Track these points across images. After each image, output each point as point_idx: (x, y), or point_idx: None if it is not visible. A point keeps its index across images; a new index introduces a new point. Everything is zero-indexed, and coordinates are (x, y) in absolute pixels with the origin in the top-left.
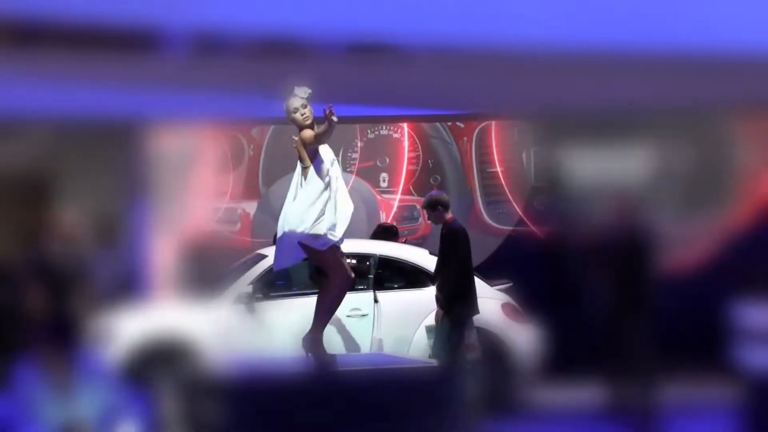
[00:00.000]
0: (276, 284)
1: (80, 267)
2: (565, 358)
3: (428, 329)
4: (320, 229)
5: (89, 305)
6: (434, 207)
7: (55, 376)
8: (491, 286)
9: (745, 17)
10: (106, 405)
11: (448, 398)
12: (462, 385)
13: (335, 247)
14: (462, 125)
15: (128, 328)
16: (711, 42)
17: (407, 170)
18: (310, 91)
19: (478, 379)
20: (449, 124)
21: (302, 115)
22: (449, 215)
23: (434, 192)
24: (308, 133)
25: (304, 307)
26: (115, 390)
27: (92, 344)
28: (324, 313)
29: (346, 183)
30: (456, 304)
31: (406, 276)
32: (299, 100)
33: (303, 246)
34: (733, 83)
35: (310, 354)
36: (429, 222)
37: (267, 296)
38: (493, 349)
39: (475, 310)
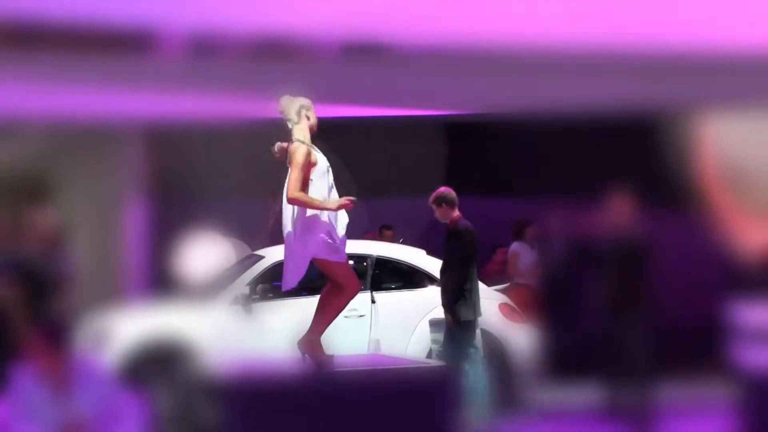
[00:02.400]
0: (273, 285)
1: (62, 268)
2: (562, 358)
3: (432, 323)
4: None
5: (73, 306)
6: (439, 203)
7: (51, 376)
8: (488, 286)
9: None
10: (103, 406)
11: (446, 398)
12: (459, 385)
13: (346, 258)
14: None
15: (125, 329)
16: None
17: None
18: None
19: (483, 379)
20: None
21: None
22: (455, 213)
23: (441, 188)
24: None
25: (301, 308)
26: (113, 391)
27: (88, 345)
28: (327, 318)
29: None
30: (459, 306)
31: (403, 276)
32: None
33: (318, 261)
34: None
35: (307, 356)
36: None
37: (264, 297)
38: (491, 349)
39: (477, 313)
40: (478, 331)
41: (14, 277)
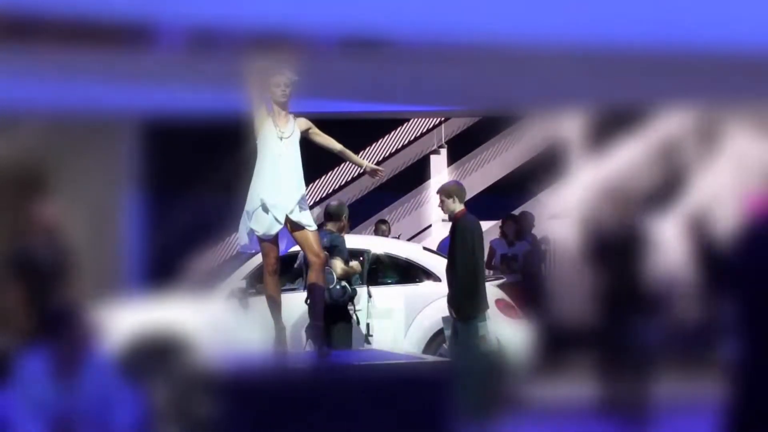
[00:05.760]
0: None
1: (65, 260)
2: (558, 354)
3: (445, 320)
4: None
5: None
6: (449, 195)
7: (55, 367)
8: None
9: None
10: (103, 397)
11: (442, 393)
12: (456, 380)
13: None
14: None
15: (122, 322)
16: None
17: None
18: (296, 79)
19: (484, 375)
20: None
21: (282, 92)
22: (460, 207)
23: (452, 181)
24: (303, 124)
25: (297, 301)
26: (114, 382)
27: (89, 337)
28: (321, 301)
29: None
30: (465, 302)
31: (400, 271)
32: (285, 79)
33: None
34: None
35: (310, 341)
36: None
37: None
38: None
39: (485, 306)
40: (488, 323)
41: (16, 269)
